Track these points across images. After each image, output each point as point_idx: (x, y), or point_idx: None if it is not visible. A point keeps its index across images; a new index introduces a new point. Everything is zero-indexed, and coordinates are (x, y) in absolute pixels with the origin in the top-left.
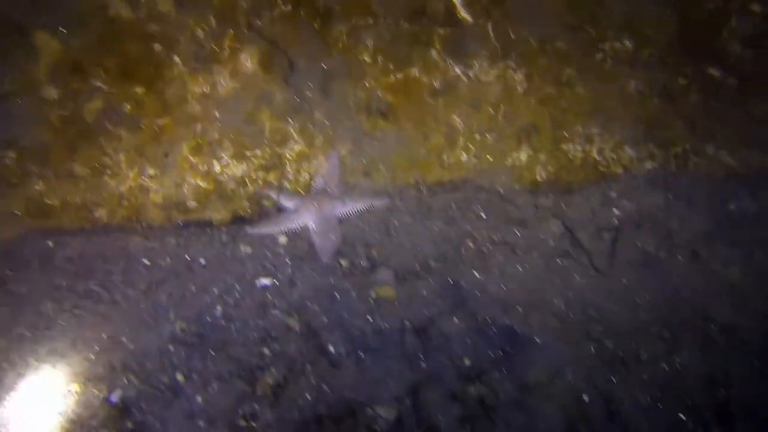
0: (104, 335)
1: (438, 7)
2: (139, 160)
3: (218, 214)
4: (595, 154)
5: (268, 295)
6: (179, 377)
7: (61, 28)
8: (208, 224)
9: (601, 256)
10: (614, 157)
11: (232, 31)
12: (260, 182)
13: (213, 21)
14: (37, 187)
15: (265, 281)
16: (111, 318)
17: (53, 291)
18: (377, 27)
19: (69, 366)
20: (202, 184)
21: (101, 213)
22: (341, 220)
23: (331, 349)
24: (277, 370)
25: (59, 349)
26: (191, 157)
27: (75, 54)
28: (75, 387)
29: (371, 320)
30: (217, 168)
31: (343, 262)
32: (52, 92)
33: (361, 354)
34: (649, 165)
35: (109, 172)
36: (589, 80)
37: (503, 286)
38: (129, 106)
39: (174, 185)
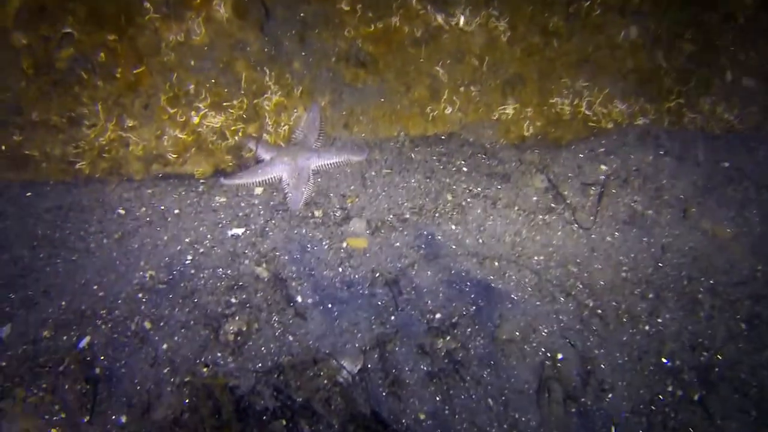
0: (76, 283)
1: None
2: (117, 110)
3: (199, 167)
4: (584, 109)
5: (239, 245)
6: (147, 324)
7: None
8: (189, 176)
9: (585, 211)
10: (604, 111)
11: None
12: (240, 134)
13: None
14: (15, 138)
15: (237, 231)
16: (84, 266)
17: (30, 240)
18: None
19: (39, 313)
20: (181, 135)
21: (82, 165)
22: (316, 172)
23: (299, 299)
24: (242, 318)
25: (31, 296)
26: (169, 108)
27: None
28: (45, 333)
29: (341, 271)
30: (195, 119)
31: (317, 213)
32: (21, 38)
33: (329, 305)
34: (640, 120)
35: (86, 122)
36: (576, 29)
37: (480, 240)
38: (102, 54)
39: (154, 137)
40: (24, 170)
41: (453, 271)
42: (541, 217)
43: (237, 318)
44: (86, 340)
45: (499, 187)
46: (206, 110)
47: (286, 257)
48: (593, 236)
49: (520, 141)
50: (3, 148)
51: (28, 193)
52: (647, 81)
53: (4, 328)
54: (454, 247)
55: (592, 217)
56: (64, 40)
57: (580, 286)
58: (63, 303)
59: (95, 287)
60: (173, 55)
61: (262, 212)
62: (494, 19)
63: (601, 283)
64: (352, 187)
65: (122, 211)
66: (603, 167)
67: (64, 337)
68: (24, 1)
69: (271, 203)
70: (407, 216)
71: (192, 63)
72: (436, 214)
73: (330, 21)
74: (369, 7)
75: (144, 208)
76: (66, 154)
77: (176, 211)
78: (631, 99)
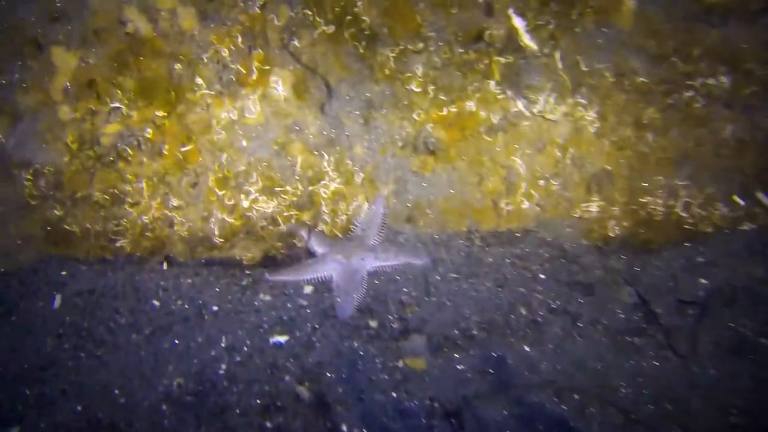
0: (97, 384)
1: (498, 32)
2: (163, 189)
3: (248, 252)
4: (680, 210)
5: (281, 356)
6: None
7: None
8: (235, 264)
9: (682, 336)
10: (703, 214)
11: (261, 50)
12: (293, 221)
13: (240, 39)
14: (55, 212)
15: (280, 338)
16: (108, 364)
17: (58, 326)
18: (428, 52)
19: (53, 416)
20: (230, 219)
21: (123, 243)
22: (372, 275)
23: (344, 428)
24: None
25: (48, 395)
26: (217, 190)
27: (91, 72)
28: None
29: (395, 396)
30: (246, 203)
31: (372, 323)
32: (68, 112)
33: None
34: (747, 226)
35: (129, 200)
36: (675, 122)
37: (558, 366)
38: (150, 131)
39: (200, 219)
40: (63, 245)
41: (524, 405)
42: (629, 339)
43: None
44: None
45: (581, 300)
46: (257, 194)
47: (333, 375)
48: (692, 367)
49: (603, 242)
50: (44, 221)
51: (64, 272)
52: (757, 181)
53: (12, 430)
54: (527, 373)
55: (690, 343)
56: (112, 115)
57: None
58: (79, 407)
59: (117, 392)
60: (224, 134)
61: (310, 317)
62: (581, 108)
63: (703, 428)
64: (413, 294)
65: (157, 303)
66: (703, 281)
67: None
68: (73, 74)
69: (321, 306)
70: (474, 332)
71: (244, 143)
72: (508, 332)
73: (398, 102)
74: (442, 89)
75: (180, 301)
76: (107, 231)
77: (215, 308)
78: (737, 201)
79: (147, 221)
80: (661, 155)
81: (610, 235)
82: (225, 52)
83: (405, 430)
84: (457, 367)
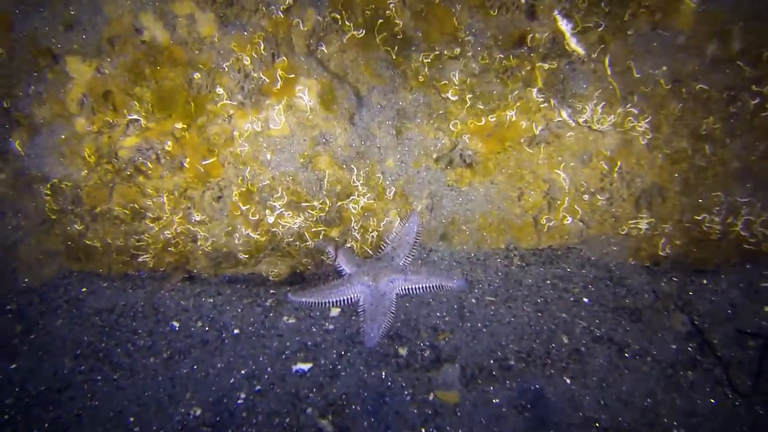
0: (111, 411)
1: (542, 36)
2: (185, 204)
3: (275, 268)
4: (739, 228)
5: (304, 385)
6: None
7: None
8: (260, 281)
9: (743, 371)
10: (767, 233)
11: (285, 58)
12: (320, 237)
13: (262, 46)
14: (76, 227)
15: (303, 366)
16: (124, 389)
17: (75, 347)
18: (465, 58)
19: None
20: (254, 235)
21: (146, 258)
22: (402, 298)
23: None
24: None
25: (62, 419)
26: (241, 205)
27: (107, 83)
28: None
29: None
30: (271, 219)
31: (402, 350)
32: (84, 124)
33: None
34: None
35: (150, 215)
36: (737, 133)
37: (602, 402)
38: (170, 143)
39: (224, 234)
40: (85, 261)
41: None
42: (682, 373)
43: None
44: None
45: (628, 328)
46: (282, 210)
47: (359, 408)
48: (755, 407)
49: (652, 262)
50: (65, 237)
51: (84, 289)
52: None
53: None
54: (567, 410)
55: (752, 379)
56: (130, 127)
57: None
58: None
59: (131, 420)
60: (248, 147)
61: (335, 343)
62: (632, 118)
63: None
64: (447, 318)
65: (176, 324)
66: (767, 309)
67: None
68: (89, 85)
69: (348, 331)
70: (512, 363)
71: (269, 156)
72: (548, 362)
73: (433, 112)
74: (480, 97)
75: (200, 323)
76: (129, 246)
77: (236, 332)
78: None
79: (169, 236)
80: (720, 169)
81: (661, 254)
82: (247, 60)
83: None
84: (492, 401)
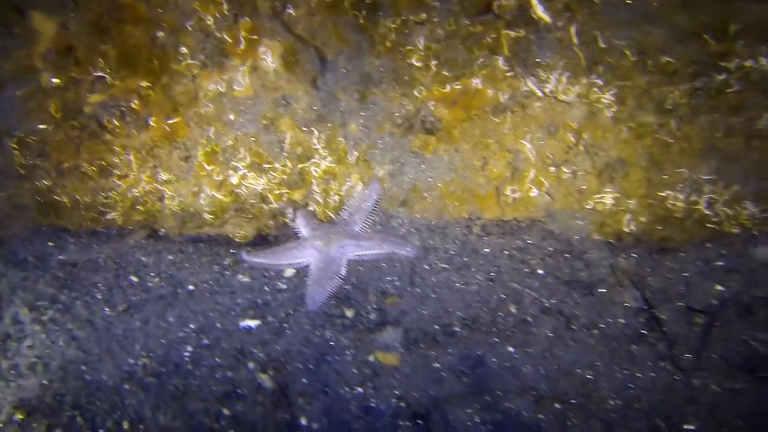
0: (65, 359)
1: (509, 3)
2: (152, 162)
3: (240, 230)
4: (703, 207)
5: (249, 341)
6: (125, 425)
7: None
8: (224, 242)
9: (686, 347)
10: (729, 213)
11: (248, 19)
12: (284, 200)
13: (225, 6)
14: (44, 182)
15: (251, 323)
16: (79, 339)
17: (37, 298)
18: (431, 24)
19: (20, 390)
20: (219, 196)
21: (114, 216)
22: (354, 263)
23: (303, 422)
24: None
25: (18, 368)
26: (206, 165)
27: (72, 39)
28: (18, 416)
29: (361, 392)
30: (234, 179)
31: (348, 312)
32: (50, 80)
33: None
34: None
35: (117, 172)
36: (703, 108)
37: (543, 371)
38: (136, 102)
39: (191, 194)
40: (54, 216)
41: (499, 411)
42: (626, 347)
43: None
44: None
45: (579, 301)
46: (246, 171)
47: (300, 365)
48: (693, 382)
49: (616, 238)
50: (34, 192)
51: (51, 243)
52: None
53: None
54: (507, 377)
55: (694, 356)
56: (96, 84)
57: None
58: (45, 381)
59: (84, 368)
60: (212, 107)
61: (285, 302)
62: (597, 89)
63: None
64: (397, 283)
65: (135, 279)
66: (719, 287)
67: (35, 426)
68: (53, 41)
69: (300, 292)
70: (456, 329)
71: (232, 117)
72: (493, 330)
73: (399, 78)
74: (446, 64)
75: (158, 279)
76: (96, 203)
77: (191, 288)
78: None
79: (137, 194)
80: (685, 145)
81: (625, 230)
82: (210, 20)
83: (367, 429)
84: (432, 365)
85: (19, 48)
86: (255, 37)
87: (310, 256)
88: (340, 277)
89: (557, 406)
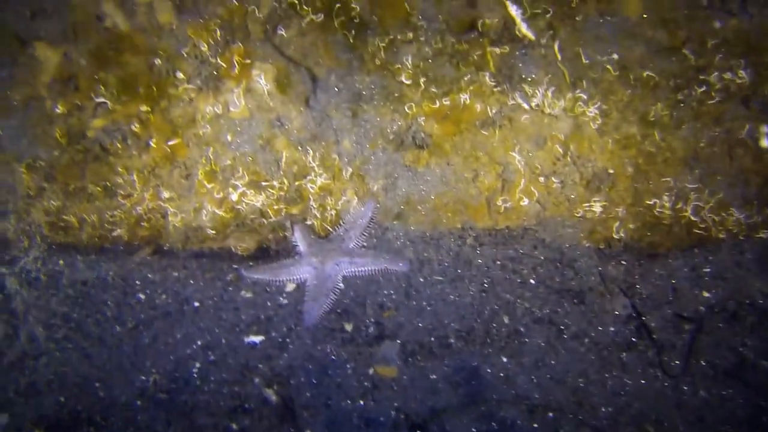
0: (80, 377)
1: (493, 21)
2: (153, 181)
3: (242, 243)
4: (689, 214)
5: (254, 356)
6: None
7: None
8: (226, 256)
9: (675, 354)
10: (716, 219)
11: (241, 44)
12: (282, 215)
13: (219, 33)
14: (53, 203)
15: (255, 338)
16: (92, 357)
17: (49, 316)
18: (418, 42)
19: (38, 407)
20: (219, 212)
21: (121, 232)
22: (349, 278)
23: None
24: None
25: (35, 385)
26: (206, 183)
27: (74, 67)
28: None
29: (362, 404)
30: (234, 196)
31: (348, 326)
32: (54, 107)
33: None
34: (763, 234)
35: (121, 192)
36: (685, 119)
37: (536, 380)
38: (136, 125)
39: (193, 210)
40: (64, 235)
41: (494, 420)
42: (617, 355)
43: None
44: None
45: (569, 310)
46: (245, 188)
47: (303, 379)
48: (682, 387)
49: (606, 245)
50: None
51: (61, 261)
52: None
53: (1, 418)
54: (501, 387)
55: (682, 362)
56: (98, 110)
57: None
58: (62, 399)
59: (97, 385)
60: (210, 129)
61: (287, 317)
62: (582, 102)
63: None
64: (393, 296)
65: (142, 297)
66: (706, 294)
67: None
68: (57, 70)
69: (300, 306)
70: (451, 341)
71: (228, 138)
72: (487, 341)
73: (389, 94)
74: (434, 80)
75: (165, 296)
76: (103, 221)
77: (196, 304)
78: (752, 207)
79: (141, 212)
80: (669, 155)
81: (614, 237)
82: (204, 47)
83: None
84: (429, 376)
85: (24, 77)
86: (248, 60)
87: (307, 273)
88: (335, 294)
89: (550, 414)
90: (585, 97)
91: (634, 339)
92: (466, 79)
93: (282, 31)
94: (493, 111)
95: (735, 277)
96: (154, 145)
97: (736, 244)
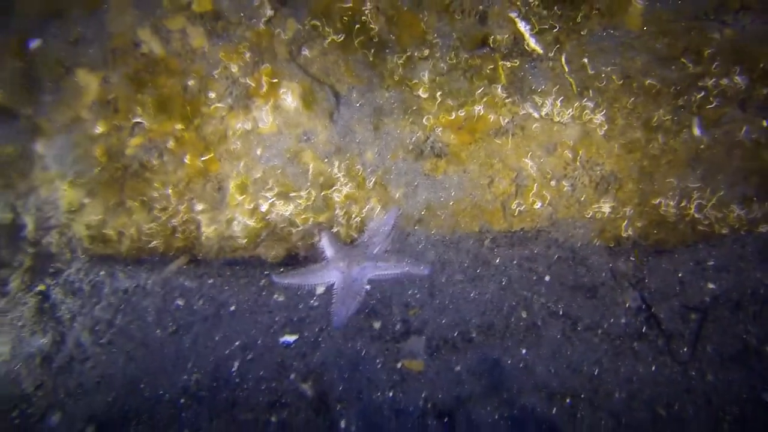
0: (126, 378)
1: (503, 37)
2: (188, 195)
3: (272, 251)
4: (693, 211)
5: (289, 355)
6: None
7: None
8: (257, 264)
9: (683, 342)
10: (718, 216)
11: (268, 64)
12: (310, 223)
13: (248, 55)
14: (93, 217)
15: (289, 338)
16: (136, 359)
17: (93, 323)
18: (434, 58)
19: (87, 406)
20: (251, 222)
21: (157, 243)
22: (374, 282)
23: (342, 425)
24: None
25: (84, 386)
26: (237, 195)
27: (113, 91)
28: (91, 429)
29: (392, 396)
30: (264, 207)
31: (376, 324)
32: (95, 128)
33: None
34: (763, 228)
35: (157, 205)
36: (686, 124)
37: (553, 370)
38: (171, 143)
39: (225, 221)
40: (104, 247)
41: (516, 407)
42: (628, 344)
43: None
44: None
45: (583, 304)
46: (274, 199)
47: (335, 375)
48: (690, 373)
49: (616, 243)
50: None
51: (102, 272)
52: None
53: (54, 417)
54: (521, 376)
55: (689, 349)
56: (136, 129)
57: None
58: (110, 398)
59: (142, 385)
60: (240, 144)
61: (318, 318)
62: (588, 111)
63: None
64: (417, 296)
65: (181, 303)
66: (711, 286)
67: None
68: (97, 93)
69: (330, 309)
70: (473, 335)
71: (258, 152)
72: (507, 335)
73: (408, 108)
74: (449, 94)
75: (202, 301)
76: (140, 233)
77: (232, 308)
78: (753, 204)
79: (176, 224)
80: (672, 157)
81: (623, 235)
82: (234, 68)
83: (399, 428)
84: (454, 368)
85: (67, 101)
86: (275, 80)
87: (334, 277)
88: (362, 296)
89: (568, 400)
90: (591, 105)
91: (644, 329)
92: (479, 91)
93: (306, 52)
94: (506, 121)
95: (738, 270)
96: (188, 161)
97: (738, 239)
